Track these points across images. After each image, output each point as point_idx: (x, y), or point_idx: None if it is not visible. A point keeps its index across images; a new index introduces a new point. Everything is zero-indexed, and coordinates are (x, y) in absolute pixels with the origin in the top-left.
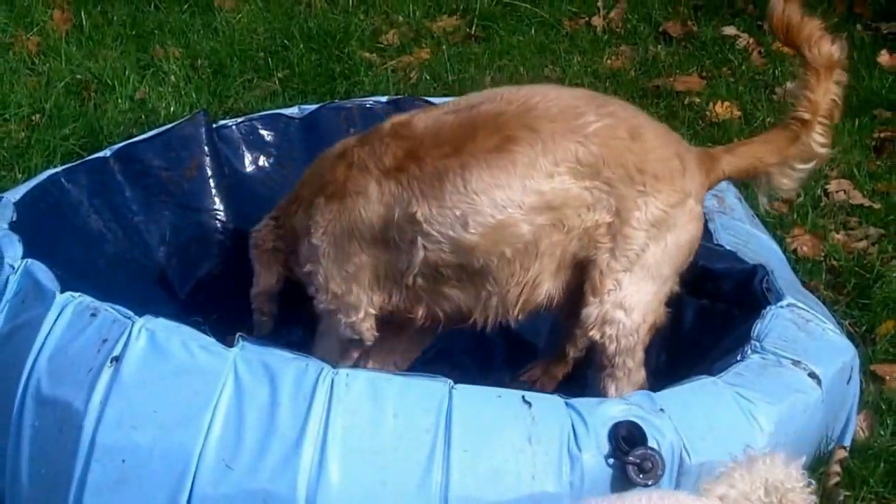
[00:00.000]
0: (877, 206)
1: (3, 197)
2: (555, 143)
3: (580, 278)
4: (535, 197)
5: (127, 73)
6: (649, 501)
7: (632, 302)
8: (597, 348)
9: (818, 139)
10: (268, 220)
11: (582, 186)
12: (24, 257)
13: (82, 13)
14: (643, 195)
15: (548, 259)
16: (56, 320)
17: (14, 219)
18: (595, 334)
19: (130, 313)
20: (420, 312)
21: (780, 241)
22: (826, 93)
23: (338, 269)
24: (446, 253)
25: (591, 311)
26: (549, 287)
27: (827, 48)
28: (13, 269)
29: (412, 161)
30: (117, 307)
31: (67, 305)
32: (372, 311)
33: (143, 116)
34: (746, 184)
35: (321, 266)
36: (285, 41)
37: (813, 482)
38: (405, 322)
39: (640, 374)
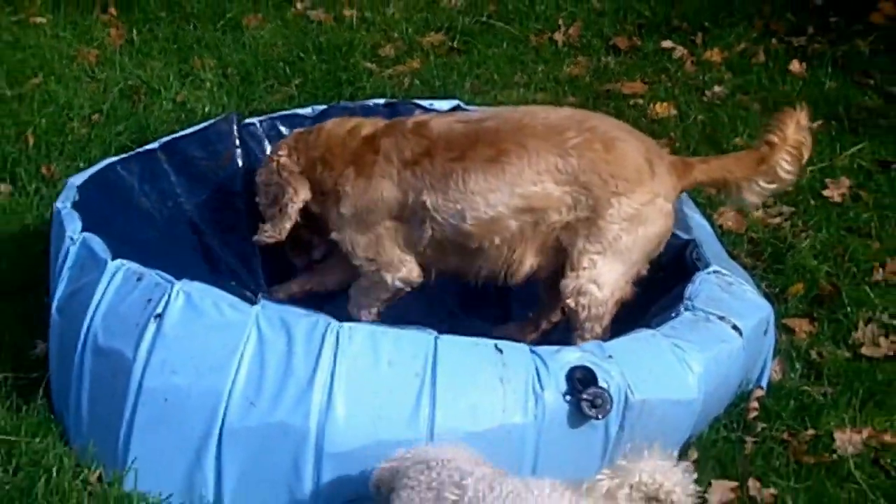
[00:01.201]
0: (789, 188)
1: (67, 181)
2: (539, 157)
3: (563, 254)
4: (520, 200)
5: (170, 80)
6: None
7: (604, 279)
8: (570, 314)
9: (783, 165)
10: (286, 151)
11: (562, 191)
12: (82, 231)
13: (133, 31)
14: (616, 195)
15: (531, 244)
16: (108, 284)
17: (76, 199)
18: (570, 302)
19: (171, 277)
20: (429, 270)
21: (710, 218)
22: (797, 130)
23: (362, 236)
24: (448, 235)
25: (569, 282)
26: (531, 262)
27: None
28: (73, 241)
29: (426, 158)
30: (160, 272)
31: (118, 271)
32: (409, 258)
33: (183, 116)
34: None
35: (347, 235)
36: (300, 54)
37: (690, 470)
38: None
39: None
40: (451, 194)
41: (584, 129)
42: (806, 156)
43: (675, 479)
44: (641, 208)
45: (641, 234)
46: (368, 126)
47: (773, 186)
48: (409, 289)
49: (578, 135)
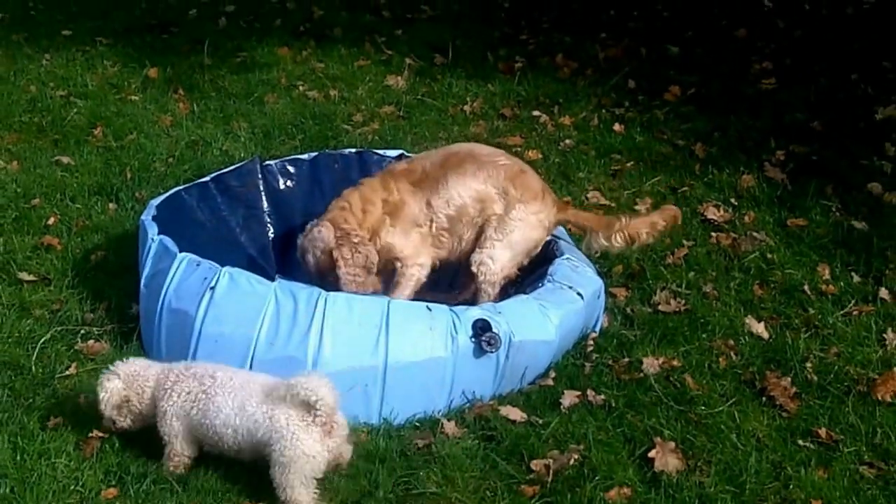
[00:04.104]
0: (613, 205)
1: (150, 203)
2: (484, 167)
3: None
4: (475, 192)
5: (218, 136)
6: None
7: (497, 257)
8: (476, 280)
9: (617, 241)
10: (347, 242)
11: (495, 192)
12: (158, 234)
13: (194, 104)
14: (519, 202)
15: (473, 228)
16: (177, 268)
17: (155, 214)
18: (474, 269)
19: (217, 265)
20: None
21: (565, 226)
22: (646, 225)
23: (411, 245)
24: (445, 219)
25: (476, 255)
26: (469, 247)
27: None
28: (153, 240)
29: (424, 176)
30: (211, 262)
31: (183, 260)
32: (431, 262)
33: (226, 159)
34: None
35: (401, 246)
36: (301, 119)
37: (331, 386)
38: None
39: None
40: (440, 193)
41: (510, 158)
42: (637, 244)
43: (321, 392)
44: (531, 216)
45: (527, 234)
46: (373, 183)
47: (606, 246)
48: (423, 281)
49: (507, 160)
